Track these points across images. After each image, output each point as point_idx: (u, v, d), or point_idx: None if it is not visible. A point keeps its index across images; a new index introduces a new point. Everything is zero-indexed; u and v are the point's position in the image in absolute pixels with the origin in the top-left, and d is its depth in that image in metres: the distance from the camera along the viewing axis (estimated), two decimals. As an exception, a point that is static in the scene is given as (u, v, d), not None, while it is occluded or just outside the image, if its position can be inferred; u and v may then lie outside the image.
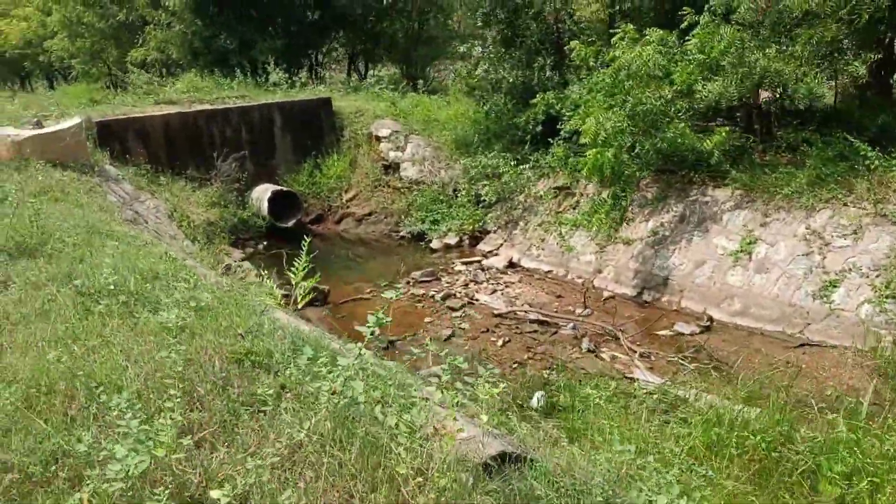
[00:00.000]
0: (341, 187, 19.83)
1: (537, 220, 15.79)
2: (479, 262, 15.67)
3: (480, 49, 20.69)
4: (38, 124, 14.77)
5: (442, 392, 3.71)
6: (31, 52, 43.86)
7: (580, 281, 14.00)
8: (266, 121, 19.48)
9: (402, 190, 19.00)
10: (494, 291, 13.78)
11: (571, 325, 11.92)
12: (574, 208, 15.28)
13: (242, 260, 16.15)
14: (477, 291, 13.74)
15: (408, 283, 14.33)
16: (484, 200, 16.92)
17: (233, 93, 21.25)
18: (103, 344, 4.85)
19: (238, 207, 18.43)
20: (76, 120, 14.44)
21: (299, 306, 9.70)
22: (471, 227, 16.89)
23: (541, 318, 12.24)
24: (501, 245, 16.13)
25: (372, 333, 3.66)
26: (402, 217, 18.48)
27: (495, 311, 12.64)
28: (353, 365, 3.57)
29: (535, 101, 15.93)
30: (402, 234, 18.23)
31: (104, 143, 15.85)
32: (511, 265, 15.32)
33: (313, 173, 19.93)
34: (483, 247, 16.56)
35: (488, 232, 16.83)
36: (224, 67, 25.16)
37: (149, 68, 28.21)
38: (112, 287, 5.99)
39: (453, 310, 12.81)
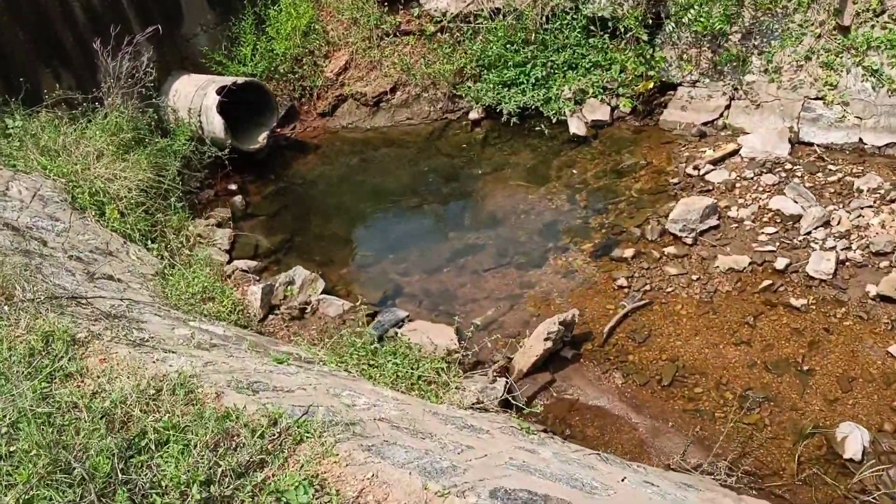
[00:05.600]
0: (315, 53, 11.16)
1: (795, 48, 8.42)
2: (733, 153, 8.18)
3: None
4: None
5: None
6: None
7: None
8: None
9: (435, 39, 10.83)
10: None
11: None
12: (879, 13, 7.92)
13: (233, 244, 8.65)
14: (855, 227, 6.71)
15: (661, 239, 7.28)
16: (653, 29, 9.20)
17: None
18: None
19: (156, 129, 9.55)
20: None
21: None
22: (650, 85, 9.31)
23: None
24: (727, 108, 8.82)
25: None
26: (458, 86, 10.58)
27: None
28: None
29: None
30: (472, 115, 10.43)
31: None
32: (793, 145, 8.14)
33: (254, 36, 10.97)
34: (675, 114, 9.05)
35: (671, 86, 9.40)
36: None
37: None
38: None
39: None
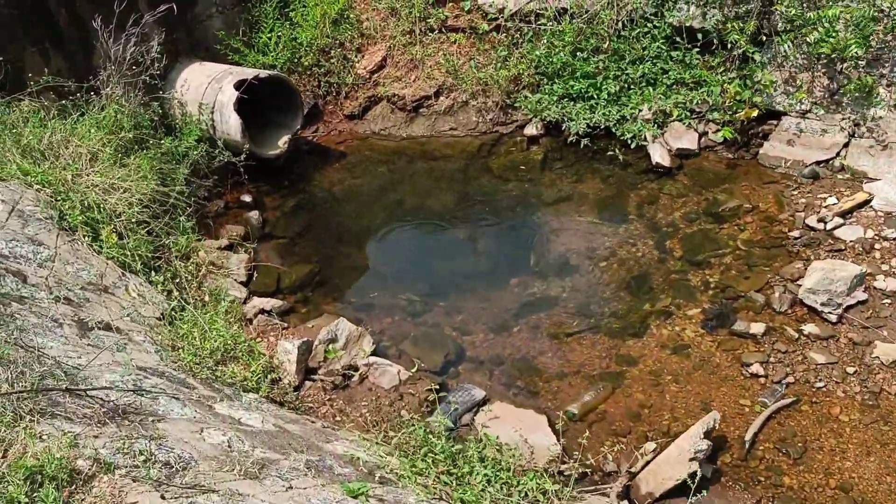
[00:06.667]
0: (346, 45, 9.62)
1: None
2: (863, 205, 6.69)
3: None
4: None
5: None
6: None
7: None
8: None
9: (488, 39, 9.33)
10: None
11: None
12: None
13: (250, 275, 7.09)
14: None
15: (792, 312, 5.86)
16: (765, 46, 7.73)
17: None
18: None
19: (159, 125, 8.02)
20: None
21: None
22: (753, 113, 7.66)
23: None
24: (845, 146, 7.32)
25: None
26: (513, 95, 9.13)
27: None
28: None
29: None
30: (529, 131, 8.96)
31: None
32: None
33: (277, 22, 9.41)
34: (778, 148, 7.60)
35: (773, 114, 7.88)
36: None
37: None
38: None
39: None
